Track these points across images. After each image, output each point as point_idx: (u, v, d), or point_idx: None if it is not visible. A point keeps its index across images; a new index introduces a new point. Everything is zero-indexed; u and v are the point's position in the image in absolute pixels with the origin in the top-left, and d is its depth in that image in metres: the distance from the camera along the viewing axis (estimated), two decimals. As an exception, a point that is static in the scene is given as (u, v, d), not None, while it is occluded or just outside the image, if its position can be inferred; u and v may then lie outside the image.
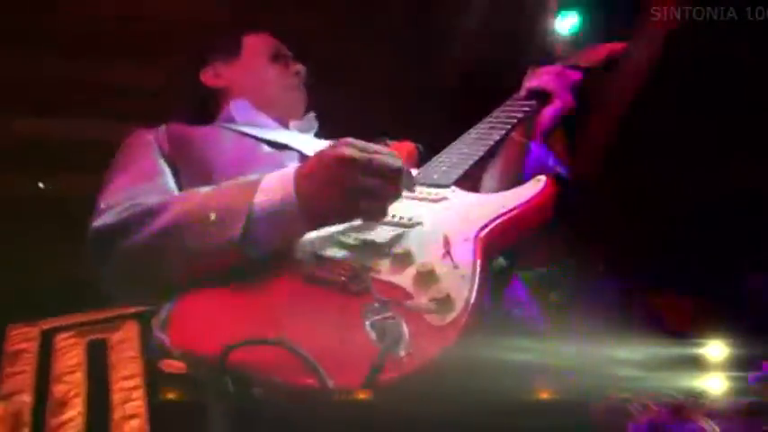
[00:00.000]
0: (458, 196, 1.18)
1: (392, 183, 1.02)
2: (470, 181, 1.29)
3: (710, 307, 2.47)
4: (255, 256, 1.03)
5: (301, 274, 1.01)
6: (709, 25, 2.01)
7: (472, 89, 2.31)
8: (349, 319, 0.89)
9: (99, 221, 1.17)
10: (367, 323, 0.86)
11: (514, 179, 1.29)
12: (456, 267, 0.95)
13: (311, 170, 1.05)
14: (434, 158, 1.35)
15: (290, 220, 1.03)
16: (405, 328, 0.83)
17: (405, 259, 0.99)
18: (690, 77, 2.33)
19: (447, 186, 1.21)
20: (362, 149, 1.02)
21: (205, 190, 1.15)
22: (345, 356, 0.84)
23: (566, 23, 2.59)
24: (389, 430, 0.85)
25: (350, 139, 1.04)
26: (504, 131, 1.38)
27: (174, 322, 0.99)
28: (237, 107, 1.60)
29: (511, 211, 1.07)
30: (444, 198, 1.17)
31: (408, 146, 1.50)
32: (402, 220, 1.10)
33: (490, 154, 1.37)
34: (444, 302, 0.88)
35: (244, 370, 0.85)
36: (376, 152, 1.02)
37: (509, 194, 1.13)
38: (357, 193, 1.00)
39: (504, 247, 1.07)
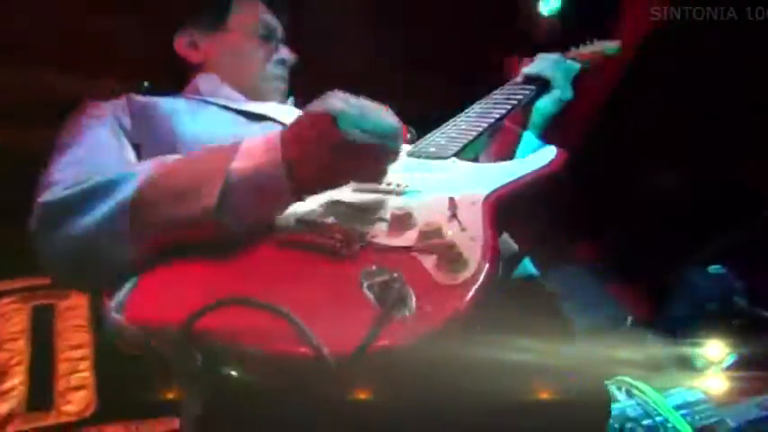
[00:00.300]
0: (459, 166, 1.09)
1: (389, 140, 0.91)
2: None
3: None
4: (234, 229, 0.89)
5: (287, 239, 0.90)
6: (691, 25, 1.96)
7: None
8: (343, 284, 0.79)
9: (48, 195, 0.99)
10: (365, 285, 0.76)
11: None
12: (464, 230, 0.85)
13: (298, 130, 0.92)
14: (430, 134, 1.25)
15: (274, 189, 0.90)
16: (409, 287, 0.73)
17: (405, 221, 0.89)
18: (668, 77, 2.30)
19: (446, 158, 1.11)
20: (355, 104, 0.90)
21: (174, 157, 1.01)
22: (341, 323, 0.74)
23: (546, 5, 2.57)
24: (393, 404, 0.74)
25: (339, 92, 0.92)
26: (504, 111, 1.30)
27: (133, 299, 0.85)
28: (207, 80, 1.42)
29: (521, 178, 0.98)
30: (445, 168, 1.08)
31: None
32: (399, 188, 1.00)
33: (488, 134, 1.29)
34: (457, 260, 0.78)
35: (214, 340, 0.73)
36: (369, 107, 0.91)
37: (518, 162, 1.04)
38: (350, 151, 0.89)
39: (513, 220, 0.98)
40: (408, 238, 0.86)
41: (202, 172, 0.91)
